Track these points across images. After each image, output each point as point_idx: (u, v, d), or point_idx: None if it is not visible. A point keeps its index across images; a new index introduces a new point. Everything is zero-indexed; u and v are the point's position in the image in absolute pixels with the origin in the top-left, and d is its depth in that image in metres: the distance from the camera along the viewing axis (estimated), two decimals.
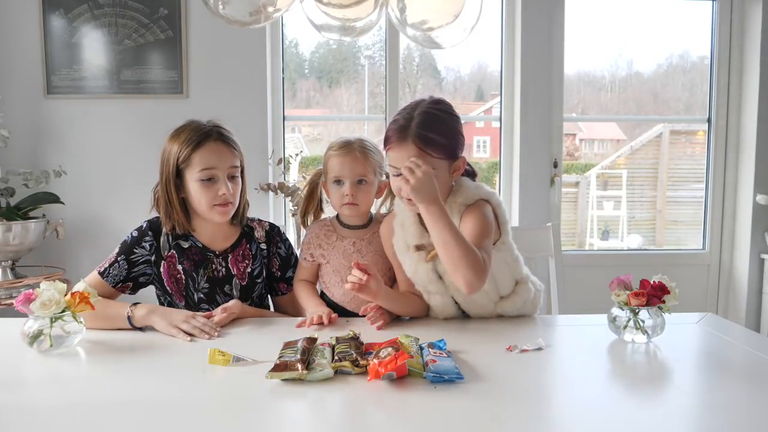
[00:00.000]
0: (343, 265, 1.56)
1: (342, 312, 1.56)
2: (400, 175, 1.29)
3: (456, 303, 1.47)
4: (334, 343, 1.21)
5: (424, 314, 1.52)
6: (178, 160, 1.48)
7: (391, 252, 1.51)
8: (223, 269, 1.56)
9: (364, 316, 1.46)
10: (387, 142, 1.38)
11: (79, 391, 1.05)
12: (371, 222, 1.61)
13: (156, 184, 1.55)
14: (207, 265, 1.54)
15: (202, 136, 1.48)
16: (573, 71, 3.31)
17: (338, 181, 1.53)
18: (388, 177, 1.62)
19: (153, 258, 1.54)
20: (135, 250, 1.53)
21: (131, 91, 2.79)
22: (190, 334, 1.32)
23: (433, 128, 1.33)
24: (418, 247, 1.42)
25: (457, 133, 1.39)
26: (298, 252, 1.69)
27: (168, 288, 1.54)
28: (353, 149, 1.52)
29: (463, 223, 1.36)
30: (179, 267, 1.53)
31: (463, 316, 1.50)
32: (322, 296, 1.62)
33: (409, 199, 1.33)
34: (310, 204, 1.65)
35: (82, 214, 2.80)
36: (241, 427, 0.92)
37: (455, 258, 1.24)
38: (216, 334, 1.34)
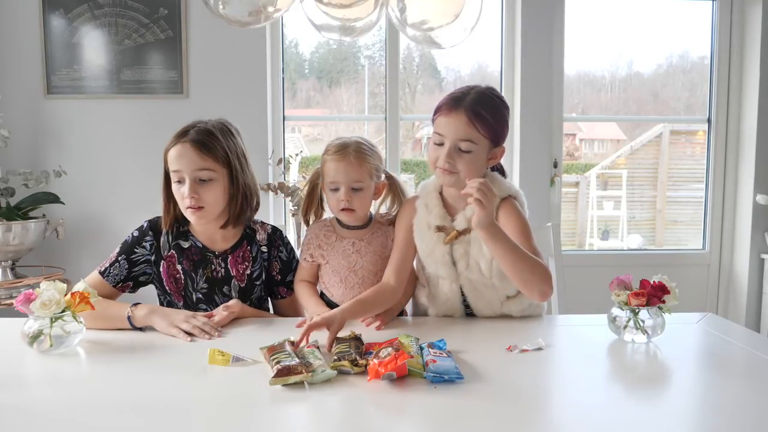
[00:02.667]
0: (342, 266, 1.56)
1: None
2: (441, 144, 1.37)
3: (462, 295, 1.48)
4: (334, 343, 1.21)
5: (400, 308, 1.55)
6: (165, 159, 1.49)
7: (403, 234, 1.50)
8: (223, 270, 1.55)
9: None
10: (438, 110, 1.42)
11: (79, 391, 1.05)
12: (371, 222, 1.61)
13: None
14: (206, 266, 1.54)
15: (178, 136, 1.48)
16: (573, 71, 3.31)
17: (334, 187, 1.52)
18: (389, 178, 1.62)
19: (153, 257, 1.54)
20: (135, 249, 1.53)
21: (131, 91, 2.79)
22: (191, 334, 1.32)
23: (485, 106, 1.38)
24: (439, 228, 1.44)
25: (504, 121, 1.42)
26: (298, 254, 1.69)
27: (167, 288, 1.54)
28: (348, 154, 1.49)
29: (501, 219, 1.40)
30: (178, 267, 1.53)
31: (466, 313, 1.51)
32: (322, 296, 1.62)
33: (445, 170, 1.37)
34: (310, 203, 1.64)
35: (82, 214, 2.80)
36: (240, 427, 0.92)
37: (526, 275, 1.30)
38: (216, 334, 1.34)
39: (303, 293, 1.59)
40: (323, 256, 1.58)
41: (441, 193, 1.48)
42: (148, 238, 1.54)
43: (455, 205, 1.46)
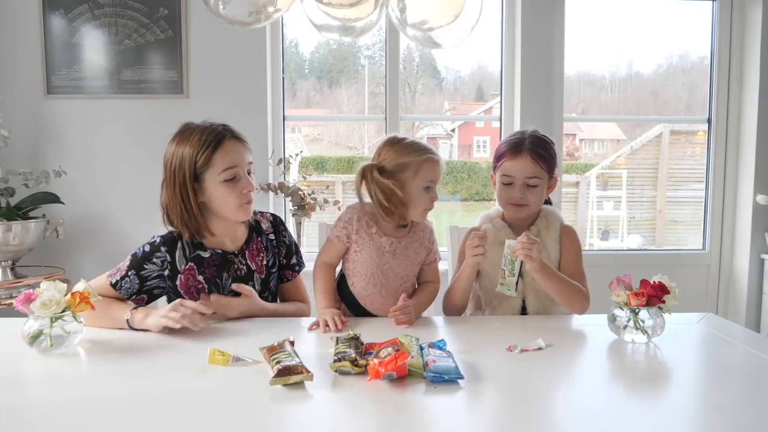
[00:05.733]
0: (373, 262, 1.54)
1: (358, 310, 1.58)
2: (510, 184, 1.60)
3: (523, 311, 1.64)
4: (334, 343, 1.21)
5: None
6: (196, 163, 1.45)
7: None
8: (244, 267, 1.56)
9: (376, 316, 1.52)
10: (502, 156, 1.63)
11: (79, 391, 1.05)
12: (407, 225, 1.59)
13: (162, 194, 1.50)
14: (229, 267, 1.54)
15: (219, 136, 1.47)
16: (573, 71, 3.31)
17: (428, 187, 1.52)
18: None
19: (167, 272, 1.51)
20: (145, 266, 1.50)
21: (131, 91, 2.79)
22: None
23: (541, 146, 1.62)
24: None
25: (555, 155, 1.66)
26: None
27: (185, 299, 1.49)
28: (440, 157, 1.55)
29: (564, 244, 1.64)
30: (200, 278, 1.51)
31: (522, 307, 1.63)
32: (342, 282, 1.60)
33: (518, 205, 1.60)
34: (393, 192, 1.49)
35: (82, 214, 2.80)
36: (241, 427, 0.92)
37: (569, 299, 1.54)
38: (197, 328, 1.35)
39: (320, 283, 1.56)
40: (358, 243, 1.55)
41: (503, 219, 1.69)
42: (159, 254, 1.50)
43: (517, 226, 1.66)
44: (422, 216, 1.55)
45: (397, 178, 1.49)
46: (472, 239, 1.49)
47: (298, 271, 1.68)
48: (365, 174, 1.49)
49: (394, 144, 1.52)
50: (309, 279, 1.64)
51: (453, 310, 1.62)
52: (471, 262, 1.51)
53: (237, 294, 1.52)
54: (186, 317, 1.33)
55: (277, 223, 1.65)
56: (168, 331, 1.36)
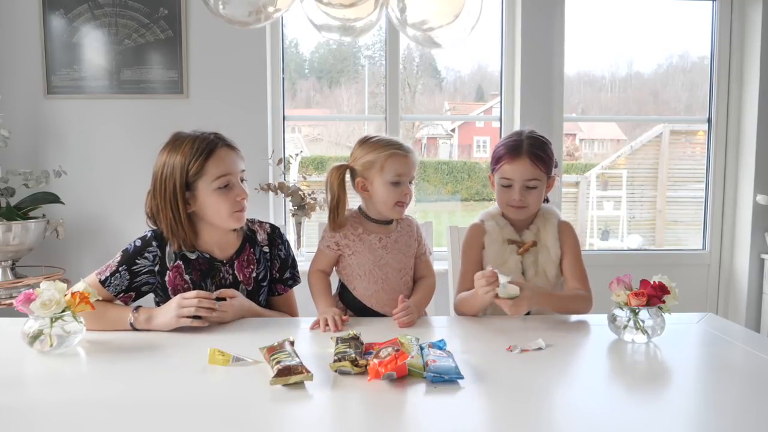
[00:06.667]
0: (368, 260, 1.56)
1: (362, 310, 1.58)
2: (509, 186, 1.59)
3: None
4: (334, 343, 1.21)
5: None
6: (188, 172, 1.44)
7: (476, 254, 1.63)
8: (230, 276, 1.54)
9: (382, 315, 1.53)
10: (500, 159, 1.61)
11: (79, 391, 1.05)
12: (392, 220, 1.61)
13: (148, 202, 1.51)
14: (215, 274, 1.53)
15: (211, 144, 1.46)
16: (573, 71, 3.31)
17: (396, 182, 1.52)
18: None
19: (157, 268, 1.51)
20: (137, 260, 1.50)
21: (131, 91, 2.79)
22: (197, 317, 1.37)
23: (539, 148, 1.61)
24: (511, 241, 1.63)
25: (553, 155, 1.65)
26: (296, 252, 1.69)
27: (172, 297, 1.49)
28: (410, 151, 1.54)
29: (562, 241, 1.63)
30: (186, 277, 1.51)
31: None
32: (344, 291, 1.62)
33: (518, 207, 1.59)
34: (342, 201, 1.57)
35: (82, 214, 2.80)
36: (241, 427, 0.92)
37: (570, 310, 1.56)
38: (213, 314, 1.40)
39: (316, 287, 1.58)
40: (349, 247, 1.57)
41: (503, 216, 1.67)
42: (151, 248, 1.50)
43: (518, 224, 1.66)
44: (396, 211, 1.55)
45: (366, 176, 1.54)
46: (480, 279, 1.42)
47: (291, 286, 1.65)
48: (338, 176, 1.55)
49: (363, 143, 1.56)
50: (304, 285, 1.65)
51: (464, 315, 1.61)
52: (485, 300, 1.44)
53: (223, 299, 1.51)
54: (200, 308, 1.36)
55: (275, 236, 1.62)
56: (171, 330, 1.38)
